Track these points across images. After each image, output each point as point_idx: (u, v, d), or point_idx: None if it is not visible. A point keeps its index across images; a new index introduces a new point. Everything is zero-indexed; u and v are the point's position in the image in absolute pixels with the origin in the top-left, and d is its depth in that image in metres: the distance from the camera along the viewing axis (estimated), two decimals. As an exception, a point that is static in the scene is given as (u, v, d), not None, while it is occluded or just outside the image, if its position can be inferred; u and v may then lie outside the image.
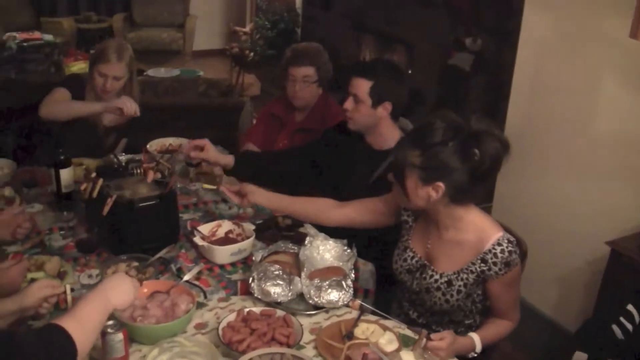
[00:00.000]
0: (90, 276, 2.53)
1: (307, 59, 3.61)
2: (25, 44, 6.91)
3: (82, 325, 1.75)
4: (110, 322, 2.01)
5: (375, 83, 2.90)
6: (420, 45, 5.90)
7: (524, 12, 3.61)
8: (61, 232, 2.86)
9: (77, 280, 2.52)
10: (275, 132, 3.82)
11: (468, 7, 5.35)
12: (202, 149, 3.06)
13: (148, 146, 3.68)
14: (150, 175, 2.81)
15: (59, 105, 3.45)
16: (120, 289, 1.97)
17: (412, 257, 2.46)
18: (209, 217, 3.03)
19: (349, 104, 2.96)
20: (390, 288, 2.67)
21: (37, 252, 2.71)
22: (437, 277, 2.36)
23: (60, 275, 2.52)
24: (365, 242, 2.67)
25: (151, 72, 7.01)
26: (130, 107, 3.40)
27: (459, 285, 2.33)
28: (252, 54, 7.97)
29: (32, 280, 2.41)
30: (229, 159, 3.14)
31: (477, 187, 2.25)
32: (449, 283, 2.34)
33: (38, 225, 2.91)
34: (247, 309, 2.28)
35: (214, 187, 2.90)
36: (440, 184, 2.21)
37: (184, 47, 9.08)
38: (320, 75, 3.60)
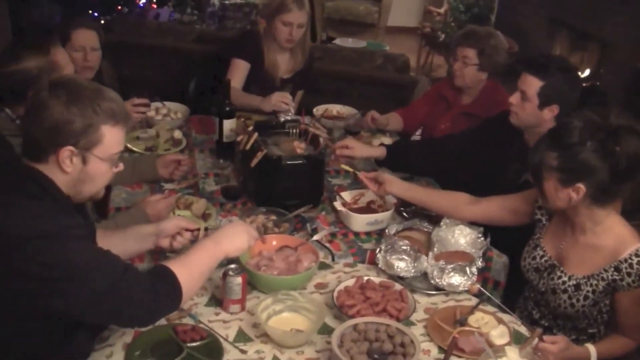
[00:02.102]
0: (230, 221, 2.66)
1: (470, 40, 3.53)
2: (227, 2, 7.26)
3: (190, 270, 1.88)
4: (233, 266, 2.13)
5: (546, 84, 2.75)
6: (613, 45, 5.60)
7: None
8: (215, 178, 3.04)
9: (218, 223, 2.66)
10: (440, 113, 3.79)
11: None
12: (348, 147, 3.08)
13: (315, 110, 3.80)
14: (323, 137, 2.92)
15: (238, 99, 3.49)
16: (233, 237, 2.05)
17: (542, 256, 2.39)
18: (357, 185, 3.07)
19: (515, 98, 2.85)
20: (521, 284, 2.60)
21: (189, 192, 2.90)
22: (565, 279, 2.28)
23: (204, 217, 2.68)
24: (502, 234, 2.62)
25: (338, 41, 7.17)
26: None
27: (587, 291, 2.24)
28: (443, 35, 7.91)
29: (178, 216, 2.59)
30: (380, 151, 3.16)
31: (620, 186, 2.16)
32: (577, 287, 2.26)
33: (196, 168, 3.10)
34: (366, 278, 2.32)
35: (352, 170, 2.94)
36: (581, 186, 2.13)
37: (379, 21, 9.12)
38: (481, 60, 3.51)
